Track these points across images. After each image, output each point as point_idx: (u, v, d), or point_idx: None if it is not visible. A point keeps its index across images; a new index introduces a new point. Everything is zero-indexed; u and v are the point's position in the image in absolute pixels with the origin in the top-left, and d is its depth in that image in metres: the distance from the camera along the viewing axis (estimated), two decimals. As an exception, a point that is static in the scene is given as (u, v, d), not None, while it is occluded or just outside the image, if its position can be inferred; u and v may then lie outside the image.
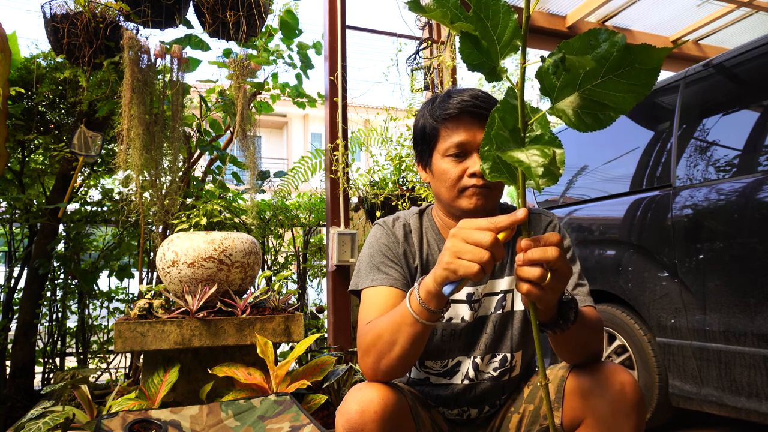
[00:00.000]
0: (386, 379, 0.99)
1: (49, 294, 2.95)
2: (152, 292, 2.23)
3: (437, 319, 0.91)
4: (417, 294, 0.90)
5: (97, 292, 3.03)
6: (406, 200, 2.97)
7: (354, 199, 3.19)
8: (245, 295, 2.19)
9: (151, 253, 2.92)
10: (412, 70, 3.46)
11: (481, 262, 0.77)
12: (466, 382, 1.15)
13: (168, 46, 2.64)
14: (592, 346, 1.04)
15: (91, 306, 3.01)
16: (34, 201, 2.99)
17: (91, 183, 3.16)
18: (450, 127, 1.10)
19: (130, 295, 3.22)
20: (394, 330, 0.93)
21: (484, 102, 1.09)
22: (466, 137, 1.07)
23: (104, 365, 2.92)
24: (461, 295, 1.14)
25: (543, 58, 0.62)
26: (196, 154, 3.01)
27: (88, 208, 3.06)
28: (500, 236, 0.78)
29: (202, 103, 2.99)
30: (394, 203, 2.99)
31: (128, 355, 2.92)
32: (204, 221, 2.19)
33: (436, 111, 1.12)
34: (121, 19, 2.61)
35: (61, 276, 2.99)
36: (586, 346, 1.02)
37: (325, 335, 3.10)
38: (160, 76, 2.63)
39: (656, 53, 0.57)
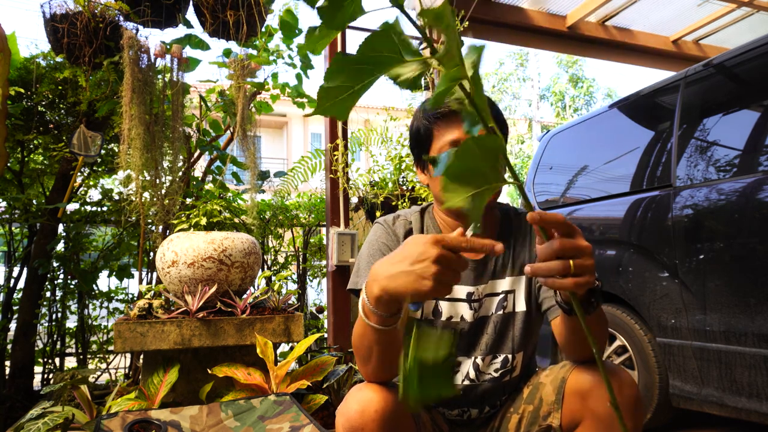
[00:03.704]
0: (381, 381, 0.98)
1: (48, 294, 2.94)
2: (152, 292, 2.23)
3: (394, 322, 0.88)
4: (366, 301, 0.86)
5: (97, 292, 3.02)
6: (406, 200, 2.97)
7: (354, 199, 3.18)
8: (245, 295, 2.19)
9: (151, 253, 2.91)
10: (412, 70, 3.44)
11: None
12: (466, 382, 1.15)
13: (168, 46, 2.64)
14: (603, 338, 1.05)
15: (90, 306, 3.00)
16: (34, 201, 2.98)
17: (91, 183, 3.15)
18: (442, 126, 1.09)
19: (130, 295, 3.22)
20: (364, 339, 0.91)
21: None
22: (459, 135, 1.07)
23: (104, 365, 2.92)
24: (461, 293, 1.14)
25: None
26: (196, 154, 3.01)
27: (88, 208, 3.05)
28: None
29: (202, 103, 2.99)
30: (394, 203, 2.99)
31: (128, 356, 2.92)
32: (204, 221, 2.19)
33: (428, 112, 1.11)
34: (121, 18, 2.61)
35: (61, 276, 2.98)
36: (600, 336, 1.03)
37: (325, 335, 3.09)
38: (160, 76, 2.63)
39: None
